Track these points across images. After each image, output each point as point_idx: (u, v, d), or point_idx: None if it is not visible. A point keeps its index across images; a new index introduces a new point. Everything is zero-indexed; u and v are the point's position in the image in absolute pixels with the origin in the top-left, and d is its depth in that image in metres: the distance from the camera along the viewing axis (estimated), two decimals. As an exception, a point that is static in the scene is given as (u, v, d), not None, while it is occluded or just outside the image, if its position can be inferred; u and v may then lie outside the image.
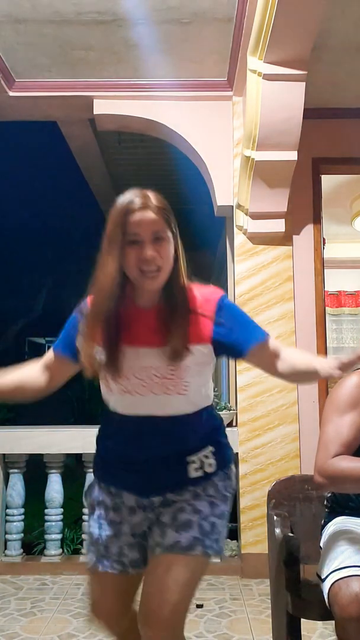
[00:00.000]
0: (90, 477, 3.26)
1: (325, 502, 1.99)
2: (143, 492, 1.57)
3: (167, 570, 1.47)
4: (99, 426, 1.69)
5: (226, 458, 1.66)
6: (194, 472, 1.57)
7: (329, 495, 1.96)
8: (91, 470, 1.76)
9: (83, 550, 3.66)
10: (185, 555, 1.48)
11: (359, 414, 1.80)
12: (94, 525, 1.61)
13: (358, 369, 1.90)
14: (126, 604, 1.65)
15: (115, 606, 1.63)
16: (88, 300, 1.57)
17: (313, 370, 1.48)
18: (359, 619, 1.49)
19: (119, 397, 1.53)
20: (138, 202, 1.45)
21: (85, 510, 1.71)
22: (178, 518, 1.53)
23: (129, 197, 1.47)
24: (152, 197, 1.48)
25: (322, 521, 1.96)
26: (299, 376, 1.64)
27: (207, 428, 1.64)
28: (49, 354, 1.66)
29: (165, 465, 1.56)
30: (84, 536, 3.68)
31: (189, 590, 1.50)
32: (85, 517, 3.64)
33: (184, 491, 1.57)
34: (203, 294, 1.55)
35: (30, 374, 1.66)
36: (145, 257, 1.43)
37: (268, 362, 1.57)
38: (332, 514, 1.92)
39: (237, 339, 1.52)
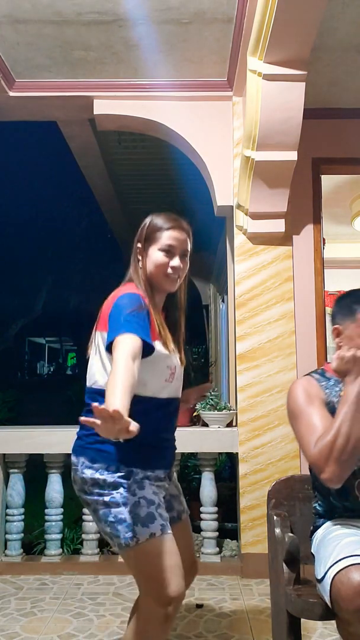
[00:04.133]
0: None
1: (313, 509, 1.99)
2: (168, 464, 1.92)
3: (190, 526, 2.07)
4: None
5: None
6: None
7: (315, 503, 1.97)
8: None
9: (83, 550, 3.66)
10: None
11: (319, 406, 1.84)
12: (148, 494, 1.75)
13: (306, 375, 1.98)
14: None
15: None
16: (139, 293, 1.81)
17: None
18: None
19: (170, 384, 1.86)
20: (178, 222, 1.90)
21: (100, 503, 1.74)
22: (178, 487, 2.03)
23: (169, 216, 1.90)
24: (186, 223, 1.93)
25: (311, 527, 1.97)
26: None
27: None
28: (137, 345, 1.61)
29: (173, 442, 1.97)
30: (84, 536, 3.68)
31: None
32: (86, 517, 3.65)
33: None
34: None
35: (135, 379, 1.56)
36: (174, 265, 1.86)
37: None
38: (320, 520, 1.93)
39: None
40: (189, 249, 1.91)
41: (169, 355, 1.81)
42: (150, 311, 1.78)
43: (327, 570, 1.60)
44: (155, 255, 1.86)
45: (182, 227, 1.89)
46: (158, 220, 1.90)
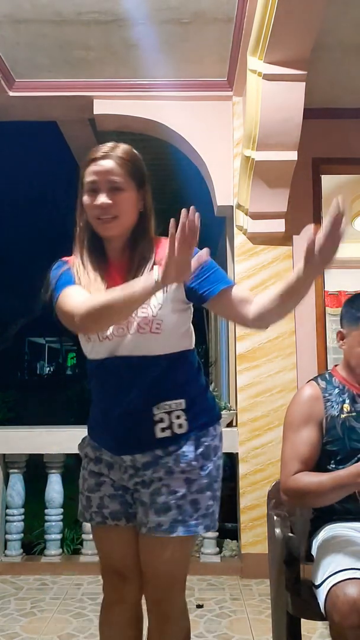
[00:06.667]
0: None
1: (313, 509, 1.98)
2: (113, 448, 1.59)
3: (153, 551, 1.53)
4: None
5: (206, 415, 1.59)
6: (160, 433, 1.51)
7: None
8: None
9: (83, 550, 3.66)
10: (169, 537, 1.48)
11: (312, 428, 1.85)
12: (81, 478, 1.68)
13: (312, 379, 1.97)
14: (127, 562, 1.60)
15: (118, 560, 1.61)
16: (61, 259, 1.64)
17: (291, 284, 1.47)
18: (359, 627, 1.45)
19: (99, 343, 1.54)
20: (101, 152, 1.53)
21: None
22: (156, 501, 1.50)
23: (96, 147, 1.56)
24: (119, 148, 1.55)
25: (310, 529, 1.96)
26: (279, 303, 1.49)
27: (181, 378, 1.56)
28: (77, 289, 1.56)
29: (132, 419, 1.52)
30: (84, 536, 3.68)
31: (180, 566, 1.56)
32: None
33: (157, 465, 1.52)
34: None
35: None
36: (98, 204, 1.51)
37: (237, 307, 1.53)
38: (320, 521, 1.92)
39: (203, 285, 1.53)
40: (122, 178, 1.52)
41: None
42: (75, 269, 1.59)
43: (325, 580, 1.58)
44: (83, 200, 1.55)
45: (103, 155, 1.52)
46: (84, 158, 1.58)
